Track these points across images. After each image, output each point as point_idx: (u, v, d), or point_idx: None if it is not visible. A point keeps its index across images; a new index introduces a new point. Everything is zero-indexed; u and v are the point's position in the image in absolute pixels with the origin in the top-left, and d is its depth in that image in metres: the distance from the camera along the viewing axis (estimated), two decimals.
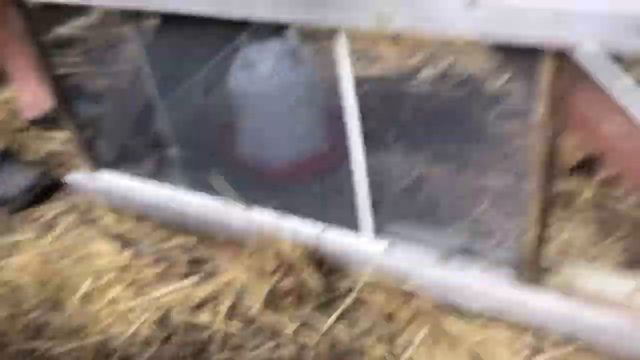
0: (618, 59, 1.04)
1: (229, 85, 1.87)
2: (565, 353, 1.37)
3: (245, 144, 1.92)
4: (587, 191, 1.71)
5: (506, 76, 2.23)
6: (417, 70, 2.41)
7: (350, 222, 1.53)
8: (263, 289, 1.56)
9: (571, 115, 1.09)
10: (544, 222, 1.21)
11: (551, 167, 1.13)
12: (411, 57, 2.47)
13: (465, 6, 0.99)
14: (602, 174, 1.71)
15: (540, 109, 1.06)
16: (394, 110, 2.23)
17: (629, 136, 1.09)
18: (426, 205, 1.80)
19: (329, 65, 2.31)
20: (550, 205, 1.21)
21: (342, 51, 1.22)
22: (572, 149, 1.81)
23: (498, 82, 2.25)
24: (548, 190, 1.16)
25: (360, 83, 2.38)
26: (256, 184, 1.80)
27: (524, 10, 0.95)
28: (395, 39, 2.58)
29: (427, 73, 2.39)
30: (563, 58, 1.00)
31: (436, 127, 2.10)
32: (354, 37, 2.65)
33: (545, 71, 1.01)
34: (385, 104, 2.27)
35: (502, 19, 0.97)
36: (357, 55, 2.57)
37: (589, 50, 0.93)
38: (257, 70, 1.82)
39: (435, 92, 2.28)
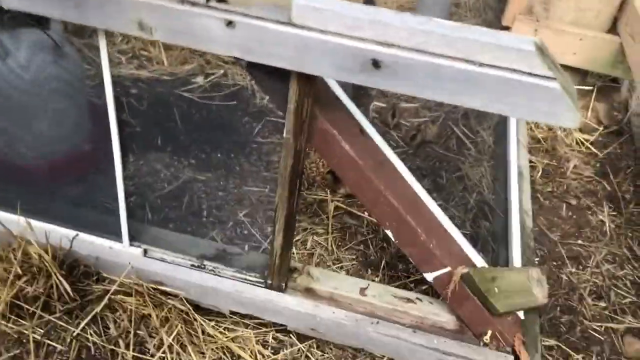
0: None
1: None
2: (306, 346, 1.52)
3: None
4: (333, 202, 1.91)
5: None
6: (189, 76, 2.44)
7: (107, 226, 1.51)
8: (5, 295, 1.46)
9: (316, 133, 1.23)
10: (289, 229, 1.33)
11: (296, 179, 1.25)
12: (184, 64, 2.50)
13: (224, 25, 1.06)
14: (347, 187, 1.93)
15: (288, 125, 1.17)
16: (163, 114, 2.23)
17: (360, 156, 1.26)
18: (188, 210, 1.84)
19: (95, 62, 2.23)
20: (295, 213, 1.34)
21: (103, 51, 1.20)
22: (321, 164, 2.02)
23: (266, 97, 2.38)
24: (293, 199, 1.28)
25: (130, 84, 2.37)
26: (2, 183, 1.67)
27: (277, 36, 1.05)
28: None
29: (199, 81, 2.43)
30: (309, 82, 1.12)
31: (204, 135, 2.16)
32: (126, 36, 2.60)
33: (293, 91, 1.12)
34: (156, 107, 2.26)
35: (257, 41, 1.06)
36: (129, 55, 2.53)
37: (330, 77, 1.06)
38: (12, 60, 1.69)
39: (205, 101, 2.34)
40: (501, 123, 2.36)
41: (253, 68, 1.15)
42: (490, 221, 1.94)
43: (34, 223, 1.50)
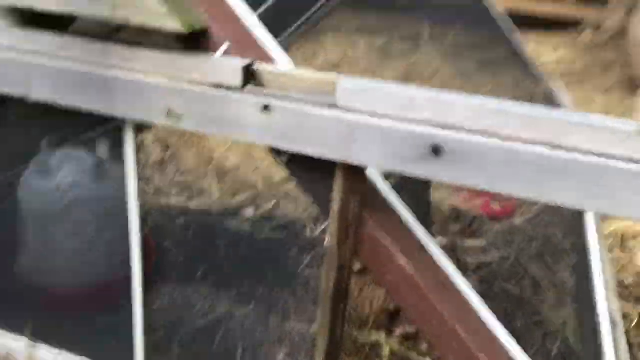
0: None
1: (18, 191, 1.65)
2: None
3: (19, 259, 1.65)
4: (390, 344, 1.64)
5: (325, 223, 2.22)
6: (239, 208, 2.33)
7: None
8: None
9: (366, 242, 1.02)
10: None
11: (340, 299, 1.03)
12: (235, 195, 2.40)
13: (259, 110, 0.92)
14: (406, 326, 1.66)
15: (332, 230, 0.98)
16: (208, 245, 2.10)
17: (420, 274, 1.04)
18: (219, 347, 1.62)
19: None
20: (340, 346, 1.09)
21: (129, 147, 1.08)
22: (375, 299, 1.78)
23: (318, 229, 2.22)
24: (336, 327, 1.05)
25: (178, 214, 2.27)
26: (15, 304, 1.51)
27: (319, 121, 0.90)
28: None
29: (249, 212, 2.31)
30: (356, 176, 0.95)
31: (248, 267, 1.99)
32: (178, 167, 2.57)
33: (338, 188, 0.95)
34: (201, 238, 2.13)
35: (296, 127, 0.91)
36: (182, 187, 2.46)
37: (381, 168, 0.89)
38: (54, 179, 1.62)
39: (254, 233, 2.20)
40: (582, 263, 2.08)
41: (293, 163, 0.99)
42: None
43: (39, 351, 1.31)
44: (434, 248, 1.12)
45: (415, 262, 1.05)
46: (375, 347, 1.67)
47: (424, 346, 1.65)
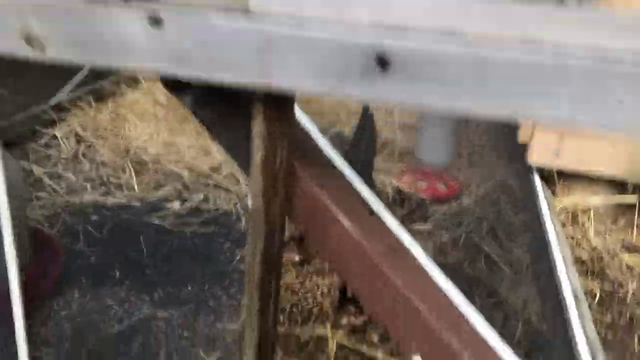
0: None
1: None
2: None
3: None
4: (336, 337, 1.43)
5: None
6: (162, 202, 2.07)
7: None
8: None
9: (300, 199, 0.81)
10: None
11: (270, 278, 0.81)
12: (157, 189, 2.14)
13: (147, 25, 0.69)
14: (353, 317, 1.46)
15: (255, 186, 0.76)
16: (127, 245, 1.84)
17: (367, 237, 0.83)
18: (138, 354, 1.36)
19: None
20: (274, 339, 0.87)
21: None
22: (319, 290, 1.57)
23: None
24: (267, 314, 0.83)
25: (91, 211, 2.00)
26: None
27: (227, 34, 0.68)
28: None
29: (175, 206, 2.06)
30: (281, 111, 0.73)
31: (176, 266, 1.75)
32: (93, 161, 2.28)
33: (259, 127, 0.73)
34: (118, 237, 1.87)
35: (196, 44, 0.69)
36: (97, 182, 2.18)
37: (311, 90, 0.67)
38: None
39: (180, 228, 1.95)
40: (537, 240, 1.94)
41: (200, 104, 0.77)
42: (549, 356, 1.44)
43: None
44: (382, 208, 0.92)
45: (360, 223, 0.84)
46: (321, 342, 1.46)
47: (374, 338, 1.46)
